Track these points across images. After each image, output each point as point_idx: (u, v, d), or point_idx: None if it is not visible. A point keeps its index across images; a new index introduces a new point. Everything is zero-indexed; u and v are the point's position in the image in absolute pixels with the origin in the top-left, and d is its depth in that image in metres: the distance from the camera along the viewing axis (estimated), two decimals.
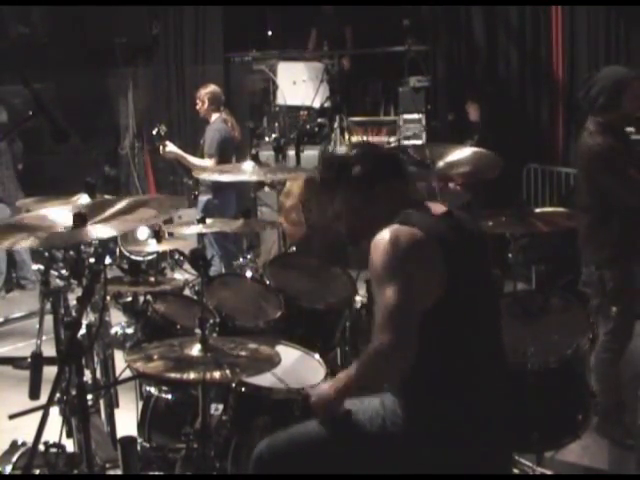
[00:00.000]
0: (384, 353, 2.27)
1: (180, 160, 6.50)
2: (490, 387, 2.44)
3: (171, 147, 6.29)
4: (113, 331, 3.88)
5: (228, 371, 2.57)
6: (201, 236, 4.98)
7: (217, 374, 2.55)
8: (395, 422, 2.42)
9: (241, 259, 4.61)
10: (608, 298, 3.98)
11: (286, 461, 2.54)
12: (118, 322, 4.01)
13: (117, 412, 3.65)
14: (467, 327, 2.40)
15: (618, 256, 3.94)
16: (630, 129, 6.00)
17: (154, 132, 6.37)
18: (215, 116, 6.50)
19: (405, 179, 2.58)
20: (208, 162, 6.28)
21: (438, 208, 2.53)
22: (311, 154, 7.02)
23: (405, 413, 2.41)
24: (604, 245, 3.94)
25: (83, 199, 3.16)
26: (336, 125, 7.27)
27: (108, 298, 3.72)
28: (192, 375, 2.55)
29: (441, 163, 3.68)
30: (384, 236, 2.35)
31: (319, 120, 7.95)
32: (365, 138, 7.96)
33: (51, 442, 2.83)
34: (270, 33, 9.73)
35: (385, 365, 2.30)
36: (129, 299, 3.94)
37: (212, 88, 6.59)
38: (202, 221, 4.07)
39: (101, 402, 3.58)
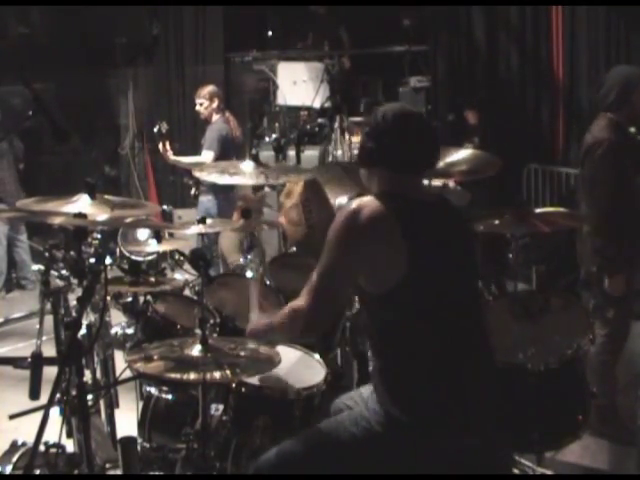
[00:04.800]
0: (296, 315, 2.46)
1: (177, 164, 6.53)
2: (464, 376, 2.41)
3: (170, 155, 6.34)
4: (113, 331, 3.88)
5: (228, 371, 2.58)
6: (201, 236, 4.97)
7: (217, 374, 2.56)
8: (379, 421, 2.41)
9: (241, 259, 4.60)
10: (607, 300, 3.97)
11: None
12: (118, 322, 4.01)
13: (117, 412, 3.65)
14: (432, 314, 2.38)
15: (620, 257, 3.94)
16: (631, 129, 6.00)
17: (155, 129, 6.38)
18: (217, 116, 6.50)
19: (409, 176, 2.50)
20: (205, 155, 6.29)
21: (424, 194, 2.54)
22: (311, 154, 7.02)
23: (383, 409, 2.40)
24: (606, 245, 3.93)
25: (83, 199, 3.14)
26: (336, 125, 7.26)
27: (108, 298, 3.72)
28: (192, 375, 2.56)
29: (441, 163, 3.68)
30: (348, 206, 2.41)
31: (319, 120, 7.94)
32: None
33: (51, 442, 2.83)
34: (270, 33, 9.72)
35: (294, 328, 2.51)
36: (129, 299, 3.93)
37: (213, 87, 6.60)
38: (202, 221, 4.06)
39: (101, 402, 3.57)
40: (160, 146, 6.37)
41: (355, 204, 2.40)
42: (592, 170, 3.96)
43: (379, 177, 2.51)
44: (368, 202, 2.40)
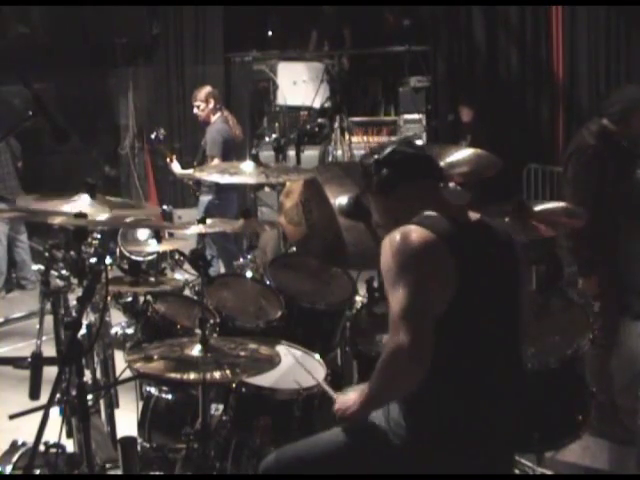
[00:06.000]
0: (401, 354, 2.20)
1: (185, 177, 6.54)
2: (498, 399, 2.39)
3: (176, 167, 6.36)
4: (113, 331, 3.89)
5: (228, 371, 2.58)
6: (201, 236, 4.98)
7: (217, 374, 2.56)
8: (398, 433, 2.39)
9: (241, 259, 4.61)
10: (591, 295, 4.03)
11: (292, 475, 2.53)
12: (118, 322, 4.02)
13: (117, 412, 3.65)
14: (475, 337, 2.34)
15: (600, 255, 4.00)
16: None
17: (152, 136, 6.39)
18: (215, 117, 6.50)
19: (432, 181, 2.50)
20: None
21: (463, 213, 2.48)
22: (311, 154, 7.03)
23: (407, 422, 2.38)
24: (586, 244, 3.99)
25: (83, 199, 3.15)
26: (336, 125, 7.27)
27: (108, 298, 3.72)
28: (192, 375, 2.56)
29: (441, 163, 3.67)
30: (395, 236, 2.31)
31: (319, 120, 7.95)
32: (365, 138, 7.98)
33: (51, 442, 2.83)
34: (270, 33, 9.73)
35: (403, 367, 2.23)
36: (129, 299, 3.94)
37: (210, 88, 6.60)
38: (202, 221, 4.07)
39: (101, 402, 3.58)
40: (167, 160, 6.41)
41: (398, 232, 2.32)
42: (574, 174, 4.05)
43: (404, 197, 2.45)
44: (411, 228, 2.32)
